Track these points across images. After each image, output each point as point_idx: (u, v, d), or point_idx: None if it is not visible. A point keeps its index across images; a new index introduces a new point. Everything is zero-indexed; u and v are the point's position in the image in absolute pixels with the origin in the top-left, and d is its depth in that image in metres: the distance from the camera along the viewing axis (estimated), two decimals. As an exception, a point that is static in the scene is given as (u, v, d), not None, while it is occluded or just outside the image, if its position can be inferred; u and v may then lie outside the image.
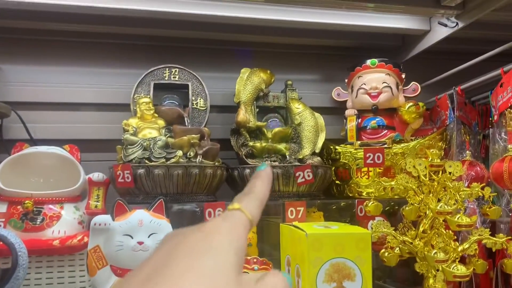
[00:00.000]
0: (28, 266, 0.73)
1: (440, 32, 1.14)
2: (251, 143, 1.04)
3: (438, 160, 0.80)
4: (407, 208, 0.80)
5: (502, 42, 0.98)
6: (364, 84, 1.13)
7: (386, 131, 1.13)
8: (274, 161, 1.01)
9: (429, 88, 1.22)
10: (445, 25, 1.10)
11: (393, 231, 0.80)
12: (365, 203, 0.85)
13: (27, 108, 1.09)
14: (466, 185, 0.90)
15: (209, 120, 1.09)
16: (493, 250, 0.80)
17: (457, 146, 1.02)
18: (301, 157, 1.02)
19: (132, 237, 0.72)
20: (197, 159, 0.94)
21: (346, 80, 1.20)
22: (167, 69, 1.09)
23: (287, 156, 1.02)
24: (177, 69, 1.10)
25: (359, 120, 1.15)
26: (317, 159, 1.03)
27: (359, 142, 1.10)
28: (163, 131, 1.00)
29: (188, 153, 0.94)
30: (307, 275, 0.62)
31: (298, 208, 0.89)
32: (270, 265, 0.76)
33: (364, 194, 1.05)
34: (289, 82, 1.15)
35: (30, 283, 0.81)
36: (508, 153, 0.88)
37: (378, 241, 0.83)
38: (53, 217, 0.85)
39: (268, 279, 0.27)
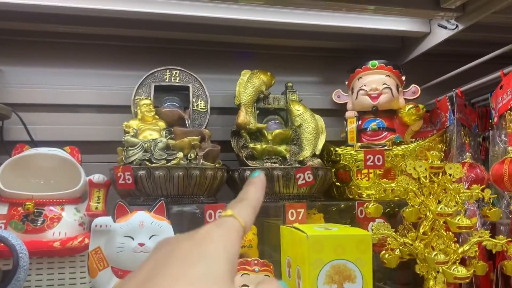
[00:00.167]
0: (29, 268, 0.73)
1: (440, 34, 1.14)
2: (251, 145, 1.04)
3: (438, 162, 0.80)
4: (407, 209, 0.81)
5: (502, 44, 0.98)
6: (364, 85, 1.14)
7: (386, 133, 1.13)
8: (274, 162, 1.01)
9: (429, 90, 1.22)
10: (445, 27, 1.10)
11: (394, 233, 0.80)
12: (365, 205, 0.85)
13: (28, 109, 1.09)
14: (466, 187, 0.91)
15: (210, 122, 1.09)
16: (493, 252, 0.80)
17: (457, 148, 1.02)
18: (301, 159, 1.03)
19: (133, 239, 0.72)
20: (198, 161, 0.94)
21: (346, 82, 1.21)
22: (167, 71, 1.09)
23: (288, 158, 1.02)
24: (178, 71, 1.10)
25: (359, 122, 1.15)
26: (317, 161, 1.03)
27: (359, 144, 1.11)
28: (164, 133, 1.00)
29: (189, 155, 0.95)
30: (308, 276, 0.62)
31: (298, 210, 0.90)
32: (271, 267, 0.76)
33: (364, 196, 1.05)
34: (290, 84, 1.16)
35: (31, 284, 0.81)
36: (508, 155, 0.88)
37: (379, 243, 0.83)
38: (54, 218, 0.85)
39: (263, 287, 0.27)
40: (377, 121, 1.14)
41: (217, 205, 0.88)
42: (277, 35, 1.21)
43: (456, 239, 0.79)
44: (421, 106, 1.13)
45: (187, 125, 1.04)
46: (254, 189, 0.33)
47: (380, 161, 0.98)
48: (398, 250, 0.81)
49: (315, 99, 1.26)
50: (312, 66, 1.33)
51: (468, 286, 0.91)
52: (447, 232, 0.78)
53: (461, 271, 0.72)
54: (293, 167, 0.98)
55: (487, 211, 0.82)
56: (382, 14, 1.11)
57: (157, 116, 1.03)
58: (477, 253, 0.79)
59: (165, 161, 0.91)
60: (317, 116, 1.10)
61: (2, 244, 0.72)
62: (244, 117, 1.05)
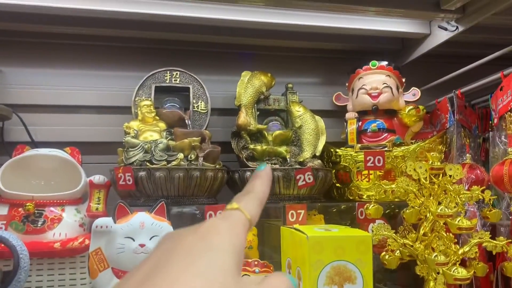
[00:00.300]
0: (29, 269, 0.73)
1: (440, 36, 1.14)
2: (251, 146, 1.04)
3: (439, 163, 0.80)
4: (407, 211, 0.81)
5: (502, 45, 0.98)
6: (365, 84, 1.14)
7: (387, 134, 1.13)
8: (274, 164, 1.01)
9: (429, 91, 1.22)
10: (445, 29, 1.10)
11: (394, 234, 0.80)
12: (365, 206, 0.85)
13: (28, 110, 1.09)
14: (466, 188, 0.91)
15: (210, 123, 1.10)
16: (493, 253, 0.80)
17: (457, 149, 1.02)
18: (301, 160, 1.03)
19: (133, 240, 0.72)
20: (198, 162, 0.94)
21: (346, 84, 1.21)
22: (168, 72, 1.09)
23: (288, 159, 1.02)
24: (178, 72, 1.10)
25: (360, 123, 1.15)
26: (317, 162, 1.03)
27: (359, 145, 1.11)
28: (164, 134, 1.00)
29: (189, 156, 0.95)
30: (308, 277, 0.62)
31: (298, 211, 0.90)
32: (271, 268, 0.76)
33: (364, 197, 1.05)
34: (290, 85, 1.16)
35: (31, 285, 0.81)
36: (508, 156, 0.88)
37: (379, 244, 0.83)
38: (54, 219, 0.85)
39: (271, 281, 0.27)
40: (377, 122, 1.14)
41: (218, 206, 0.88)
42: (278, 36, 1.21)
43: (456, 240, 0.79)
44: (421, 107, 1.13)
45: (188, 126, 1.04)
46: (260, 182, 0.33)
47: (380, 162, 0.98)
48: (398, 251, 0.81)
49: (316, 100, 1.26)
50: (313, 67, 1.33)
51: (468, 287, 0.91)
52: (447, 233, 0.78)
53: (461, 272, 0.72)
54: (293, 168, 0.98)
55: (487, 212, 0.82)
56: (382, 15, 1.12)
57: (157, 117, 1.03)
58: (477, 254, 0.79)
59: (165, 162, 0.91)
60: (317, 117, 1.10)
61: (2, 245, 0.72)
62: (245, 118, 1.05)
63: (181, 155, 0.93)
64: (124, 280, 0.24)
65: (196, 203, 0.94)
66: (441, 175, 0.79)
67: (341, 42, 1.27)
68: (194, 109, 1.09)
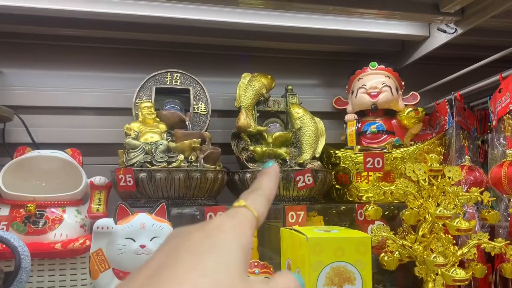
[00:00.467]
0: (31, 269, 0.73)
1: (439, 38, 1.15)
2: (251, 148, 1.05)
3: (437, 165, 0.80)
4: (406, 212, 0.81)
5: (501, 48, 0.99)
6: (364, 84, 1.15)
7: (386, 136, 1.14)
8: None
9: (428, 93, 1.23)
10: (444, 31, 1.11)
11: (393, 235, 0.80)
12: (365, 208, 0.86)
13: (30, 112, 1.10)
14: (465, 189, 0.91)
15: (210, 124, 1.10)
16: (492, 254, 0.80)
17: (456, 151, 1.02)
18: (301, 161, 1.03)
19: (134, 241, 0.73)
20: (198, 163, 0.95)
21: (346, 87, 1.22)
22: (168, 74, 1.10)
23: (288, 161, 1.03)
24: (179, 74, 1.10)
25: (359, 125, 1.16)
26: (317, 163, 1.04)
27: (359, 146, 1.11)
28: (165, 135, 1.00)
29: (190, 157, 0.95)
30: (308, 278, 0.62)
31: (298, 212, 0.90)
32: (271, 269, 0.76)
33: (364, 198, 1.06)
34: (290, 87, 1.16)
35: (33, 286, 0.82)
36: (507, 158, 0.88)
37: (378, 245, 0.84)
38: (55, 220, 0.86)
39: (279, 280, 0.26)
40: (377, 124, 1.14)
41: (218, 207, 0.89)
42: (278, 38, 1.21)
43: (455, 241, 0.80)
44: (420, 109, 1.13)
45: (188, 127, 1.05)
46: (268, 179, 0.32)
47: (379, 164, 0.99)
48: (397, 252, 0.82)
49: (315, 102, 1.27)
50: (312, 69, 1.33)
51: (467, 289, 0.92)
52: (446, 235, 0.78)
53: (460, 274, 0.72)
54: (293, 170, 0.98)
55: (486, 214, 0.82)
56: (382, 18, 1.12)
57: (158, 119, 1.03)
58: (476, 256, 0.79)
59: (166, 164, 0.92)
60: (317, 119, 1.11)
61: (4, 246, 0.73)
62: (245, 119, 1.06)
63: (181, 157, 0.94)
64: (132, 277, 0.23)
65: (196, 205, 0.94)
66: (440, 177, 0.80)
67: (341, 44, 1.28)
68: (194, 111, 1.09)
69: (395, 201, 0.96)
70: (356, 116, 1.17)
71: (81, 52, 1.17)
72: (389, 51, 1.32)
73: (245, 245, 0.25)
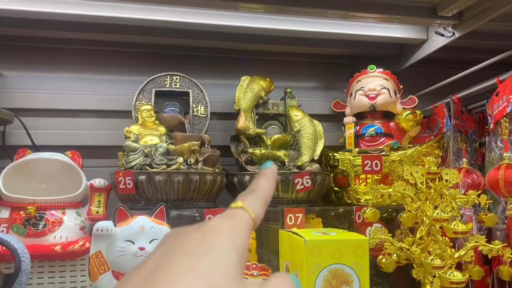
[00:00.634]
0: (30, 271, 0.74)
1: (437, 42, 1.16)
2: (250, 150, 1.05)
3: (435, 168, 0.81)
4: (404, 215, 0.82)
5: (498, 51, 0.99)
6: (363, 87, 1.16)
7: (384, 138, 1.14)
8: (273, 168, 1.02)
9: (426, 96, 1.23)
10: (442, 35, 1.12)
11: (391, 238, 0.81)
12: (363, 210, 0.86)
13: (30, 114, 1.10)
14: (462, 192, 0.91)
15: (210, 127, 1.11)
16: (489, 257, 0.81)
17: (454, 153, 1.03)
18: (300, 164, 1.04)
19: (133, 243, 0.73)
20: (198, 166, 0.95)
21: (345, 90, 1.22)
22: (168, 76, 1.11)
23: (286, 163, 1.03)
24: (178, 77, 1.11)
25: (357, 127, 1.17)
26: (315, 166, 1.04)
27: (357, 149, 1.12)
28: (164, 138, 1.01)
29: (189, 160, 0.96)
30: (306, 281, 0.63)
31: (297, 215, 0.90)
32: (269, 271, 0.77)
33: (362, 200, 1.06)
34: (289, 90, 1.17)
35: (32, 288, 0.82)
36: (504, 161, 0.89)
37: (376, 248, 0.84)
38: (55, 222, 0.86)
39: (275, 282, 0.26)
40: (375, 127, 1.15)
41: (217, 210, 0.89)
42: (276, 42, 1.22)
43: (452, 244, 0.80)
44: (418, 112, 1.14)
45: (187, 130, 1.05)
46: (265, 180, 0.32)
47: (377, 166, 0.99)
48: (395, 254, 0.82)
49: (314, 105, 1.27)
50: (311, 72, 1.34)
51: (465, 291, 0.92)
52: (443, 237, 0.79)
53: (457, 276, 0.73)
54: (292, 172, 0.99)
55: (483, 216, 0.83)
56: (380, 21, 1.13)
57: (157, 122, 1.04)
58: (473, 258, 0.79)
59: (165, 166, 0.92)
60: (315, 122, 1.11)
61: (4, 248, 0.73)
62: (244, 122, 1.06)
63: (180, 159, 0.94)
64: (128, 278, 0.23)
65: (195, 207, 0.95)
66: (437, 180, 0.80)
67: (340, 48, 1.28)
68: (193, 113, 1.10)
69: (393, 204, 0.96)
70: (354, 119, 1.18)
71: (81, 55, 1.18)
72: (388, 54, 1.33)
73: (242, 247, 0.25)
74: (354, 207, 0.96)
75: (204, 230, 0.25)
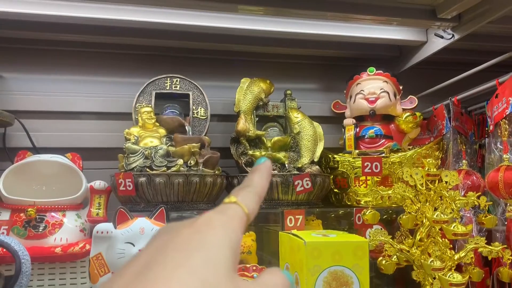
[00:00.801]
0: (31, 273, 0.74)
1: (436, 44, 1.16)
2: (250, 152, 1.05)
3: (435, 170, 0.81)
4: (404, 216, 0.82)
5: (497, 53, 1.00)
6: (363, 90, 1.16)
7: (384, 140, 1.14)
8: (273, 169, 1.02)
9: (426, 97, 1.24)
10: (441, 37, 1.12)
11: (391, 240, 0.81)
12: (362, 212, 0.86)
13: (30, 116, 1.10)
14: (462, 194, 0.92)
15: (210, 129, 1.11)
16: (489, 258, 0.81)
17: (454, 155, 1.03)
18: (300, 165, 1.04)
19: (133, 245, 0.73)
20: (198, 168, 0.95)
21: (345, 92, 1.22)
22: (168, 79, 1.11)
23: (286, 165, 1.04)
24: (178, 79, 1.11)
25: (357, 129, 1.17)
26: (315, 167, 1.05)
27: (357, 151, 1.12)
28: (164, 140, 1.01)
29: (189, 162, 0.96)
30: (306, 283, 0.63)
31: (297, 216, 0.90)
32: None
33: (362, 202, 1.06)
34: (289, 92, 1.17)
35: (32, 290, 0.82)
36: (504, 163, 0.89)
37: (376, 249, 0.84)
38: (55, 224, 0.86)
39: (267, 277, 0.26)
40: (375, 129, 1.15)
41: (217, 212, 0.89)
42: (277, 44, 1.22)
43: (451, 246, 0.80)
44: (418, 114, 1.14)
45: (187, 132, 1.06)
46: (259, 176, 0.32)
47: (377, 168, 0.99)
48: (395, 256, 0.82)
49: (314, 107, 1.28)
50: (311, 74, 1.34)
51: (465, 292, 0.92)
52: (443, 239, 0.79)
53: (457, 278, 0.73)
54: (292, 174, 0.99)
55: (483, 218, 0.83)
56: (380, 23, 1.13)
57: (157, 124, 1.04)
58: (473, 260, 0.79)
59: (165, 168, 0.93)
60: (315, 123, 1.12)
61: (4, 250, 0.73)
62: (244, 124, 1.07)
63: (180, 161, 0.94)
64: (120, 273, 0.23)
65: (195, 209, 0.95)
66: (437, 181, 0.80)
67: (340, 50, 1.28)
68: (193, 115, 1.10)
69: (393, 205, 0.96)
70: (354, 121, 1.18)
71: (81, 57, 1.18)
72: (387, 56, 1.33)
73: (235, 242, 0.25)
74: (354, 209, 0.96)
75: (196, 225, 0.25)
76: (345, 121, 1.19)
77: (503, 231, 0.90)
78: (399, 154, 1.08)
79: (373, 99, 1.14)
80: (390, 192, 0.84)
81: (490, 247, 0.79)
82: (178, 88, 1.11)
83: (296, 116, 1.12)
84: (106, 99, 1.16)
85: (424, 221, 0.80)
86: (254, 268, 0.75)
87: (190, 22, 1.05)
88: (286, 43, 1.22)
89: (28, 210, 0.84)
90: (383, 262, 0.83)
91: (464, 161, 1.01)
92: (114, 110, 1.16)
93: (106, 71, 1.19)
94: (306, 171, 1.01)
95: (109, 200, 0.97)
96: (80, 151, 1.01)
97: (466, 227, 0.75)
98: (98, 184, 0.95)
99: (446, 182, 0.79)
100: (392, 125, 1.16)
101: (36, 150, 1.06)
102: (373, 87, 1.15)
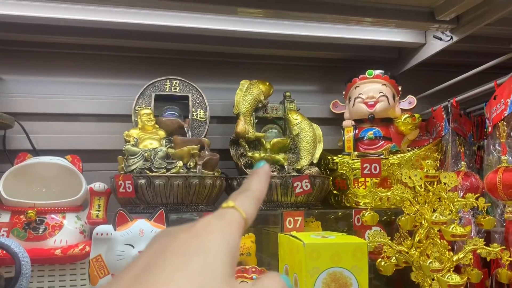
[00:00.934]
0: (31, 275, 0.74)
1: (435, 45, 1.16)
2: (250, 154, 1.06)
3: (433, 171, 0.81)
4: (403, 218, 0.82)
5: (495, 54, 1.00)
6: (361, 93, 1.16)
7: (383, 142, 1.15)
8: (272, 171, 1.02)
9: (425, 99, 1.24)
10: (440, 39, 1.12)
11: (389, 241, 0.81)
12: (361, 213, 0.87)
13: (30, 119, 1.11)
14: (461, 195, 0.92)
15: (209, 130, 1.11)
16: (488, 259, 0.81)
17: (452, 157, 1.03)
18: (299, 167, 1.04)
19: (133, 247, 0.74)
20: (197, 170, 0.96)
21: (343, 93, 1.23)
22: (168, 81, 1.11)
23: (285, 167, 1.04)
24: (178, 81, 1.12)
25: (356, 131, 1.17)
26: (315, 169, 1.05)
27: (356, 152, 1.12)
28: (164, 141, 1.01)
29: (188, 164, 0.96)
30: (305, 284, 0.63)
31: (296, 218, 0.91)
32: (269, 274, 0.77)
33: (361, 204, 1.07)
34: (288, 94, 1.18)
35: (32, 291, 0.83)
36: (502, 164, 0.89)
37: (375, 251, 0.84)
38: (55, 226, 0.86)
39: (266, 281, 0.26)
40: (374, 130, 1.15)
41: (216, 213, 0.89)
42: (276, 46, 1.23)
43: (450, 247, 0.80)
44: (416, 115, 1.14)
45: (187, 134, 1.06)
46: (258, 180, 0.32)
47: (376, 169, 1.00)
48: (394, 257, 0.83)
49: (313, 108, 1.28)
50: (310, 76, 1.35)
51: (464, 294, 0.92)
52: (442, 241, 0.79)
53: (455, 279, 0.73)
54: (291, 176, 0.99)
55: (482, 219, 0.83)
56: (379, 25, 1.14)
57: (157, 125, 1.04)
58: (472, 261, 0.80)
59: (165, 170, 0.93)
60: (314, 125, 1.12)
61: (4, 252, 0.74)
62: (243, 126, 1.07)
63: (180, 163, 0.95)
64: (119, 276, 0.23)
65: (195, 211, 0.95)
66: (435, 183, 0.81)
67: (339, 51, 1.29)
68: (193, 117, 1.10)
69: (392, 207, 0.97)
70: (353, 122, 1.18)
71: (81, 59, 1.18)
72: (386, 58, 1.33)
73: (233, 247, 0.25)
74: (353, 210, 0.97)
75: (195, 230, 0.25)
76: (344, 123, 1.20)
77: (501, 232, 0.90)
78: (398, 155, 1.08)
79: (372, 103, 1.14)
80: (389, 193, 0.84)
81: (488, 248, 0.79)
82: (177, 90, 1.11)
83: (295, 118, 1.12)
84: (105, 101, 1.17)
85: (423, 222, 0.80)
86: (253, 269, 0.76)
87: (189, 25, 1.06)
88: (285, 45, 1.23)
89: (28, 212, 0.84)
90: (382, 263, 0.83)
91: (463, 162, 1.01)
92: (114, 112, 1.16)
93: (106, 73, 1.19)
94: (305, 173, 1.02)
95: (108, 202, 0.97)
96: (80, 153, 1.01)
97: (465, 228, 0.75)
98: (98, 186, 0.96)
99: (445, 184, 0.80)
100: (391, 126, 1.17)
101: (36, 152, 1.06)
102: (371, 91, 1.15)
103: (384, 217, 1.06)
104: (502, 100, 0.93)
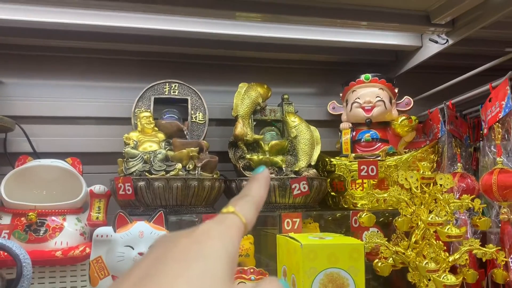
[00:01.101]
0: (32, 277, 0.75)
1: (431, 48, 1.18)
2: (248, 156, 1.07)
3: (429, 173, 0.82)
4: (399, 219, 0.83)
5: (490, 57, 1.01)
6: (358, 98, 1.17)
7: (380, 144, 1.16)
8: (271, 173, 1.03)
9: (421, 101, 1.25)
10: (436, 42, 1.14)
11: (386, 242, 0.82)
12: (359, 215, 0.87)
13: (31, 122, 1.11)
14: (457, 196, 0.93)
15: (208, 133, 1.12)
16: (483, 260, 0.82)
17: (449, 158, 1.04)
18: (297, 169, 1.05)
19: (133, 248, 0.74)
20: (196, 172, 0.97)
21: (341, 95, 1.24)
22: (167, 84, 1.12)
23: (284, 169, 1.05)
24: (177, 84, 1.13)
25: (354, 133, 1.18)
26: (312, 171, 1.06)
27: (353, 154, 1.13)
28: (163, 144, 1.02)
29: (187, 166, 0.97)
30: (302, 285, 0.64)
31: (294, 219, 0.91)
32: (267, 276, 0.78)
33: (358, 205, 1.07)
34: (286, 96, 1.19)
35: (33, 293, 0.83)
36: (497, 166, 0.90)
37: (372, 252, 0.85)
38: (56, 228, 0.87)
39: (265, 286, 0.26)
40: (371, 132, 1.16)
41: (215, 215, 0.90)
42: (274, 49, 1.24)
43: (446, 248, 0.81)
44: (413, 117, 1.15)
45: (186, 136, 1.07)
46: (258, 185, 0.32)
47: (373, 171, 1.01)
48: (390, 258, 0.83)
49: (311, 111, 1.29)
50: (308, 79, 1.36)
51: (460, 294, 0.93)
52: (437, 241, 0.80)
53: (451, 279, 0.74)
54: (289, 178, 1.00)
55: (477, 220, 0.84)
56: (375, 29, 1.15)
57: (156, 128, 1.05)
58: (468, 262, 0.80)
59: (164, 172, 0.94)
60: (312, 127, 1.13)
61: (6, 254, 0.74)
62: (241, 128, 1.08)
63: (179, 165, 0.95)
64: (119, 282, 0.23)
65: (194, 212, 0.96)
66: (432, 184, 0.82)
67: (336, 55, 1.30)
68: (192, 120, 1.11)
69: (389, 208, 0.98)
70: (350, 125, 1.19)
71: (81, 63, 1.19)
72: (383, 61, 1.34)
73: (232, 252, 0.25)
74: (351, 211, 0.98)
75: (195, 235, 0.25)
76: (342, 125, 1.21)
77: (497, 233, 0.91)
78: (395, 157, 1.09)
79: (369, 107, 1.15)
80: (385, 195, 0.85)
81: (484, 249, 0.80)
82: (176, 93, 1.12)
83: (293, 120, 1.13)
84: (105, 104, 1.18)
85: (419, 223, 0.81)
86: (252, 270, 0.76)
87: (189, 29, 1.07)
88: (283, 49, 1.24)
89: (29, 214, 0.85)
90: (379, 264, 0.84)
91: (459, 164, 1.02)
92: (114, 115, 1.17)
93: (106, 77, 1.20)
94: (303, 175, 1.03)
95: (108, 204, 0.98)
96: (80, 156, 1.02)
97: (460, 229, 0.76)
98: (98, 188, 0.96)
99: (441, 185, 0.81)
100: (388, 129, 1.18)
101: (37, 155, 1.07)
102: (368, 95, 1.16)
103: (381, 219, 1.07)
104: (497, 103, 0.94)
